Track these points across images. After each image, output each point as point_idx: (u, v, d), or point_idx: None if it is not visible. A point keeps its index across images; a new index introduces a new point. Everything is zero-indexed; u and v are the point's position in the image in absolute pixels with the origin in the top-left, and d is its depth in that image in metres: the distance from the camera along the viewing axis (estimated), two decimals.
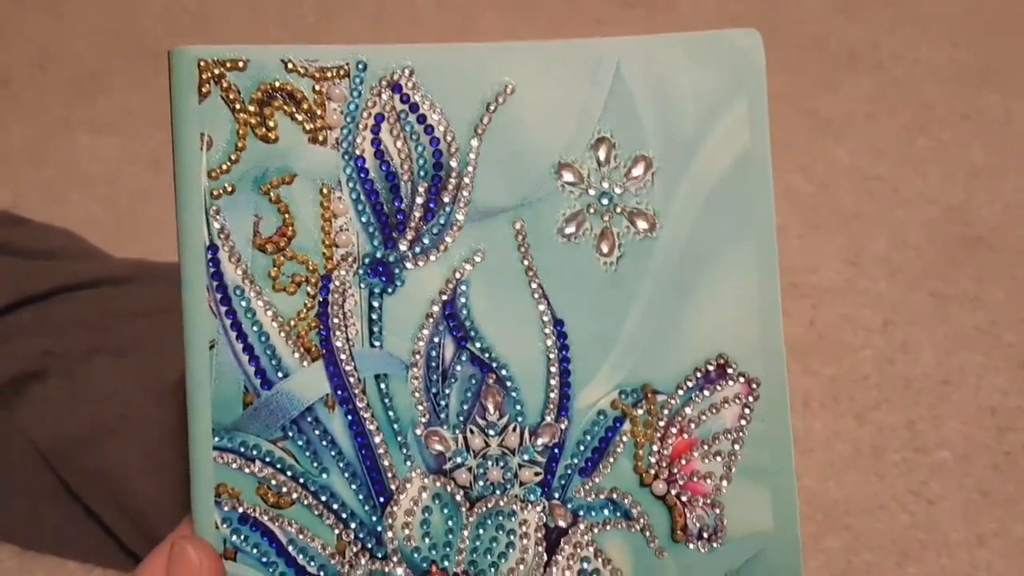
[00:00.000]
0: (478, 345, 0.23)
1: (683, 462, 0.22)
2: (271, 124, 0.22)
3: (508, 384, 0.23)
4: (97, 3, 1.00)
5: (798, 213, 0.83)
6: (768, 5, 0.99)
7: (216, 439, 0.22)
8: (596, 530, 0.22)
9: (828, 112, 0.88)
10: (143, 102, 0.90)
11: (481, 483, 0.22)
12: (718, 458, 0.22)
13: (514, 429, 0.22)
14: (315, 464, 0.23)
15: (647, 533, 0.22)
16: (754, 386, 0.23)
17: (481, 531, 0.22)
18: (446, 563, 0.22)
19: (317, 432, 0.23)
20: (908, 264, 0.81)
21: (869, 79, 0.90)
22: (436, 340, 0.23)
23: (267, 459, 0.22)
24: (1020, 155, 0.86)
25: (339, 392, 0.23)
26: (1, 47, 0.97)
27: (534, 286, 0.23)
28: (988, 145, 0.86)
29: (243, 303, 0.22)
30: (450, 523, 0.22)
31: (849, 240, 0.82)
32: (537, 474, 0.22)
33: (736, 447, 0.22)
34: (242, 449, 0.22)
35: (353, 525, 0.22)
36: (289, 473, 0.22)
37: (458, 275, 0.23)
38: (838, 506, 0.72)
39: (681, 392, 0.23)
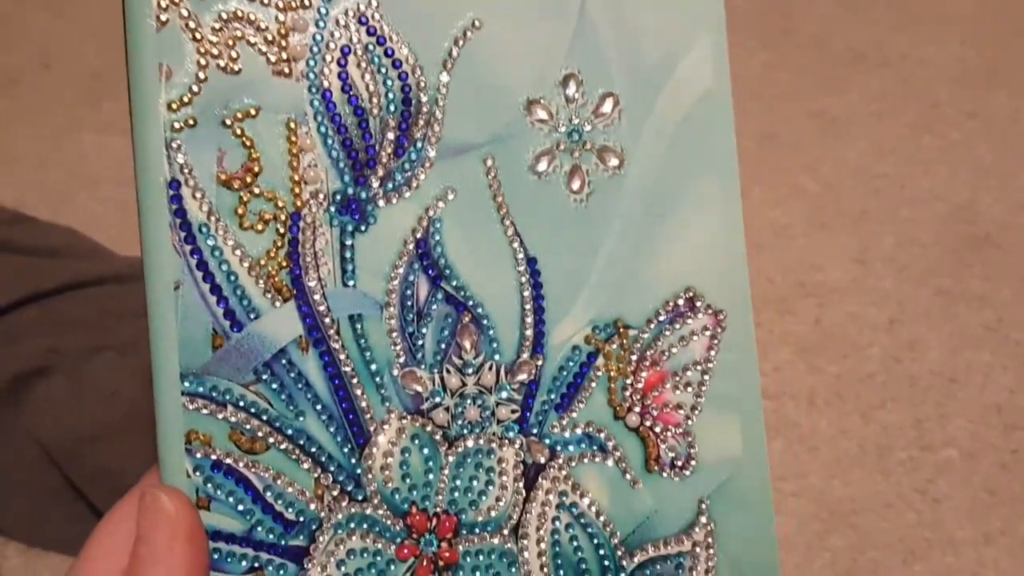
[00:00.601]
0: (453, 283, 0.22)
1: (655, 394, 0.23)
2: (234, 55, 0.21)
3: (483, 322, 0.22)
4: (101, 3, 1.00)
5: (805, 212, 0.83)
6: (774, 4, 0.99)
7: (185, 384, 0.21)
8: (573, 464, 0.22)
9: (835, 111, 0.88)
10: None
11: (459, 422, 0.22)
12: (688, 389, 0.23)
13: (490, 368, 0.22)
14: (290, 407, 0.22)
15: (622, 465, 0.22)
16: (721, 317, 0.23)
17: (460, 470, 0.22)
18: (426, 503, 0.22)
19: (291, 375, 0.22)
20: (915, 262, 0.81)
21: (876, 78, 0.90)
22: (410, 279, 0.22)
23: (239, 403, 0.22)
24: None
25: (313, 333, 0.22)
26: (7, 48, 0.97)
27: (507, 224, 0.22)
28: (995, 144, 0.86)
29: (209, 241, 0.21)
30: (429, 463, 0.22)
31: (856, 239, 0.82)
32: (514, 412, 0.22)
33: (705, 377, 0.23)
34: (213, 394, 0.21)
35: (331, 468, 0.22)
36: (263, 417, 0.22)
37: (431, 213, 0.22)
38: (844, 504, 0.72)
39: (652, 326, 0.23)
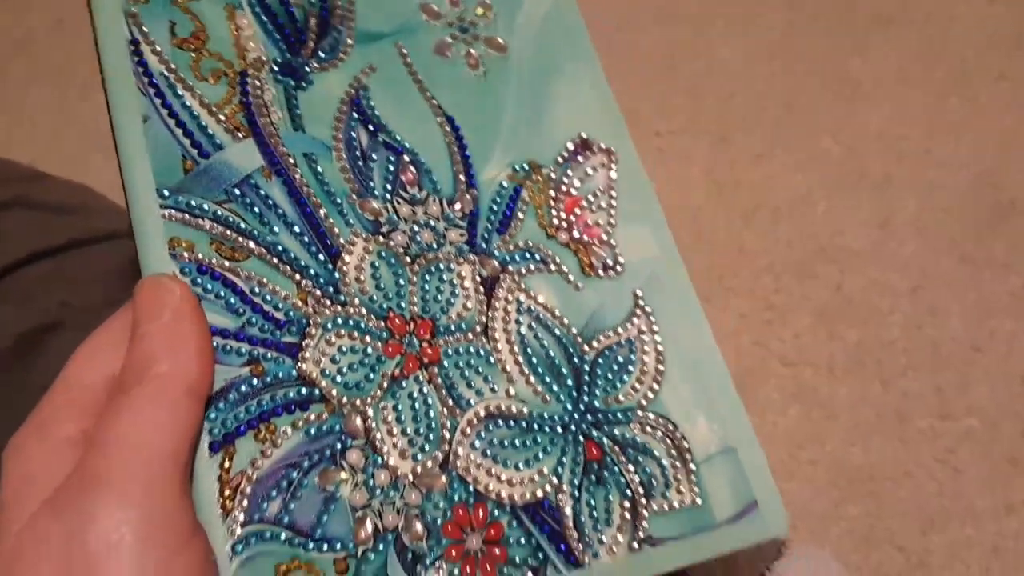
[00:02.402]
0: (388, 133, 0.26)
1: (576, 214, 0.27)
2: None
3: (421, 164, 0.26)
4: None
5: (826, 176, 0.81)
6: None
7: (161, 200, 0.23)
8: (523, 274, 0.26)
9: (858, 74, 0.86)
10: None
11: (416, 243, 0.25)
12: (601, 210, 0.27)
13: (434, 200, 0.26)
14: (263, 223, 0.24)
15: (563, 271, 0.26)
16: (611, 153, 0.28)
17: (426, 281, 0.25)
18: (402, 309, 0.24)
19: (259, 195, 0.24)
20: (938, 229, 0.79)
21: (901, 41, 0.88)
22: (352, 128, 0.26)
23: (215, 217, 0.24)
24: None
25: (274, 162, 0.25)
26: (21, 8, 0.97)
27: (425, 91, 0.27)
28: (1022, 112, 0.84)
29: (170, 85, 0.25)
30: (398, 274, 0.25)
31: (878, 204, 0.80)
32: (462, 235, 0.26)
33: (612, 200, 0.27)
34: (190, 206, 0.24)
35: (311, 273, 0.24)
36: (241, 227, 0.24)
37: (359, 80, 0.27)
38: (862, 472, 0.71)
39: (559, 163, 0.27)
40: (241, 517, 0.21)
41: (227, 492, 0.21)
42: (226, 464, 0.22)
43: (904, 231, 0.79)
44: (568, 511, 0.24)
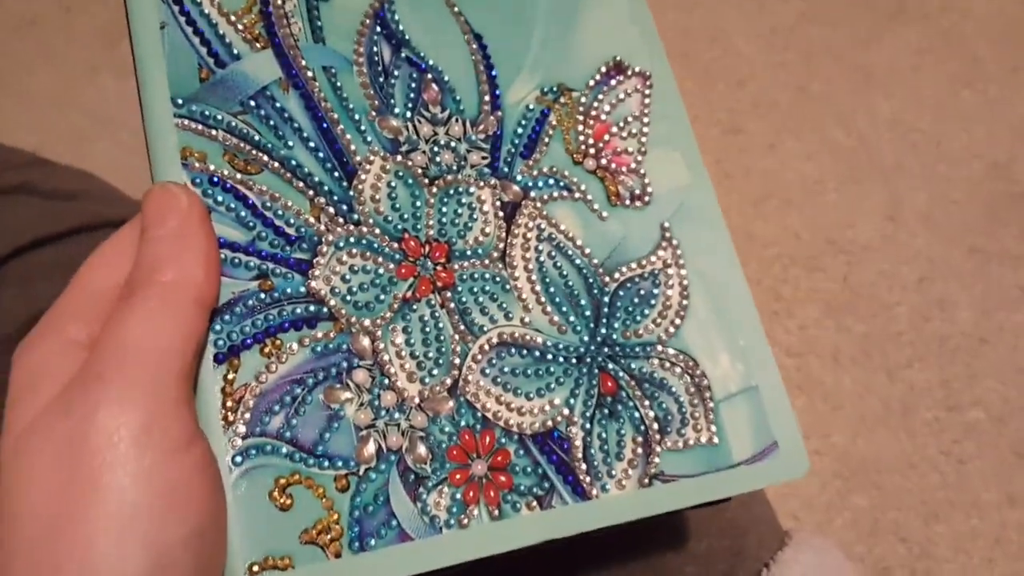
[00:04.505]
0: (412, 49, 0.25)
1: (605, 140, 0.26)
2: None
3: (445, 83, 0.25)
4: None
5: (837, 167, 0.81)
6: None
7: (175, 109, 0.23)
8: (545, 200, 0.25)
9: (871, 65, 0.85)
10: None
11: (435, 164, 0.24)
12: (632, 136, 0.26)
13: (457, 120, 0.25)
14: (278, 137, 0.23)
15: (587, 199, 0.25)
16: (646, 77, 0.27)
17: (444, 203, 0.24)
18: (417, 231, 0.24)
19: (276, 108, 0.24)
20: (948, 220, 0.79)
21: (915, 31, 0.87)
22: (374, 42, 0.25)
23: (230, 128, 0.23)
24: None
25: (292, 73, 0.24)
26: None
27: (452, 6, 0.26)
28: None
29: None
30: (415, 195, 0.24)
31: (888, 195, 0.80)
32: (484, 157, 0.25)
33: (643, 126, 0.26)
34: (204, 116, 0.23)
35: (325, 190, 0.23)
36: (254, 140, 0.23)
37: None
38: (867, 463, 0.71)
39: (590, 87, 0.26)
40: (243, 429, 0.21)
41: (229, 404, 0.21)
42: (230, 376, 0.21)
43: (914, 222, 0.79)
44: (578, 443, 0.23)
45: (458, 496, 0.22)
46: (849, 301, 0.76)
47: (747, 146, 0.81)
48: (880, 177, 0.80)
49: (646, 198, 0.25)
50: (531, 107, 0.26)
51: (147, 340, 0.19)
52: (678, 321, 0.25)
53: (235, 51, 0.24)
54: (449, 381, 0.23)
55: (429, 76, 0.25)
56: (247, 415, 0.21)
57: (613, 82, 0.26)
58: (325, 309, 0.22)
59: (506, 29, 0.26)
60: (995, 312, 0.75)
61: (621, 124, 0.26)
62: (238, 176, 0.23)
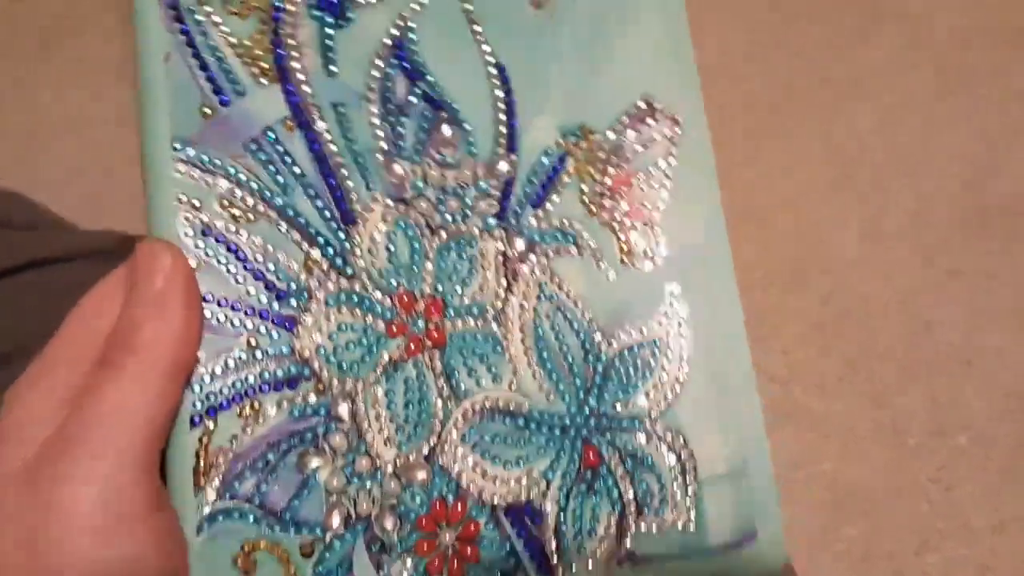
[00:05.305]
0: (429, 81, 0.24)
1: (622, 192, 0.24)
2: None
3: (460, 120, 0.24)
4: None
5: (817, 181, 0.79)
6: None
7: (175, 148, 0.22)
8: (551, 256, 0.24)
9: (850, 74, 0.84)
10: (107, 55, 0.84)
11: (441, 213, 0.24)
12: (653, 187, 0.25)
13: (467, 165, 0.24)
14: (277, 181, 0.23)
15: (596, 256, 0.24)
16: (677, 122, 0.25)
17: (444, 257, 0.24)
18: (413, 286, 0.23)
19: (278, 150, 0.23)
20: (930, 236, 0.77)
21: (894, 40, 0.85)
22: (389, 73, 0.24)
23: (229, 173, 0.23)
24: None
25: (298, 113, 0.23)
26: None
27: (475, 29, 0.24)
28: (1021, 109, 0.82)
29: (195, 21, 0.23)
30: (414, 247, 0.23)
31: (870, 211, 0.78)
32: (492, 205, 0.24)
33: (666, 178, 0.25)
34: (203, 162, 0.23)
35: (320, 242, 0.23)
36: (253, 186, 0.23)
37: (405, 15, 0.24)
38: (856, 492, 0.69)
39: (615, 131, 0.25)
40: (212, 495, 0.21)
41: (202, 467, 0.21)
42: (204, 439, 0.21)
43: (896, 240, 0.77)
44: (551, 518, 0.23)
45: (421, 567, 0.22)
46: (833, 321, 0.75)
47: (721, 162, 0.79)
48: (862, 192, 0.79)
49: (657, 260, 0.24)
50: (549, 150, 0.24)
51: (117, 410, 0.20)
52: (671, 396, 0.24)
53: (240, 85, 0.23)
54: (427, 447, 0.22)
55: (444, 115, 0.24)
56: (218, 480, 0.21)
57: (640, 126, 0.25)
58: (307, 370, 0.22)
59: (530, 57, 0.25)
60: (979, 332, 0.74)
61: (643, 174, 0.25)
62: (231, 227, 0.22)
